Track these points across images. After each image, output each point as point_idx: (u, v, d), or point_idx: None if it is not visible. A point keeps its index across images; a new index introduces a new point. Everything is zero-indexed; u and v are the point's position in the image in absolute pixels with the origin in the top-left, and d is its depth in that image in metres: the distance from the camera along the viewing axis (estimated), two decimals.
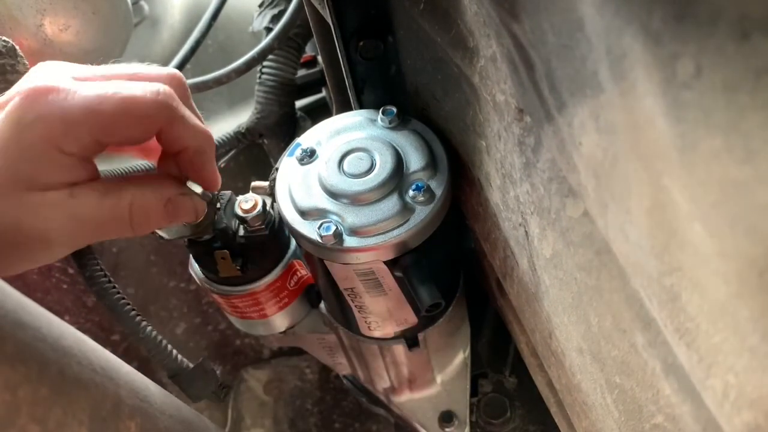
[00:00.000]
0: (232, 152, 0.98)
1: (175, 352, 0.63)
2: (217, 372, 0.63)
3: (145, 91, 0.41)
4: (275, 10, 0.90)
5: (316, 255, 0.51)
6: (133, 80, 0.43)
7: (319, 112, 1.02)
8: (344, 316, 0.61)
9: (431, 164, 0.50)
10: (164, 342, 0.63)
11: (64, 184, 0.41)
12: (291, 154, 0.54)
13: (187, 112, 0.44)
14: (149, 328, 0.62)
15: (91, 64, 0.48)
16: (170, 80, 0.45)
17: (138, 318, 0.61)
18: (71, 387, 0.27)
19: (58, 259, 0.45)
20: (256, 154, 1.03)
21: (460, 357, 0.73)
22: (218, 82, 0.82)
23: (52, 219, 0.41)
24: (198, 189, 0.48)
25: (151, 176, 0.46)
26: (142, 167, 0.66)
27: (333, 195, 0.49)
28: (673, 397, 0.30)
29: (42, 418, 0.25)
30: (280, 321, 0.64)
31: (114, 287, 0.61)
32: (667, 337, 0.27)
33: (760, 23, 0.17)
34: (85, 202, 0.42)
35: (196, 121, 0.45)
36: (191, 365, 0.62)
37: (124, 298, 0.61)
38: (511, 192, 0.42)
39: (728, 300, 0.22)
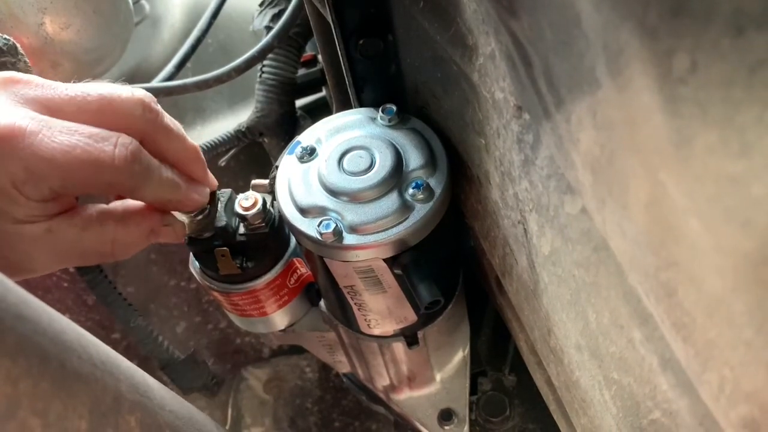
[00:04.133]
0: (233, 151, 0.99)
1: (166, 343, 0.63)
2: (210, 364, 0.64)
3: (113, 156, 0.39)
4: (275, 9, 0.90)
5: (316, 253, 0.51)
6: (104, 106, 0.42)
7: (319, 111, 1.03)
8: (344, 314, 0.61)
9: (430, 162, 0.51)
10: (155, 332, 0.63)
11: (37, 218, 0.40)
12: (291, 152, 0.54)
13: (151, 169, 0.42)
14: (140, 318, 0.62)
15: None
16: (142, 104, 0.44)
17: (130, 307, 0.61)
18: (72, 381, 0.27)
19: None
20: (256, 153, 1.04)
21: (460, 355, 0.73)
22: (218, 80, 0.83)
23: (31, 252, 0.41)
24: (182, 217, 0.49)
25: (134, 208, 0.46)
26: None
27: (333, 193, 0.50)
28: (670, 392, 0.30)
29: (42, 411, 0.25)
30: (279, 319, 0.64)
31: (105, 277, 0.61)
32: (664, 332, 0.28)
33: (754, 18, 0.17)
34: (64, 237, 0.41)
35: (164, 175, 0.44)
36: (182, 356, 0.63)
37: (115, 288, 0.61)
38: (510, 189, 0.42)
39: (724, 294, 0.22)
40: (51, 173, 0.38)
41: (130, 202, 0.46)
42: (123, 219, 0.44)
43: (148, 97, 0.44)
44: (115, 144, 0.40)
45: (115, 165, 0.40)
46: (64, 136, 0.39)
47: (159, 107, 0.45)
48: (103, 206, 0.45)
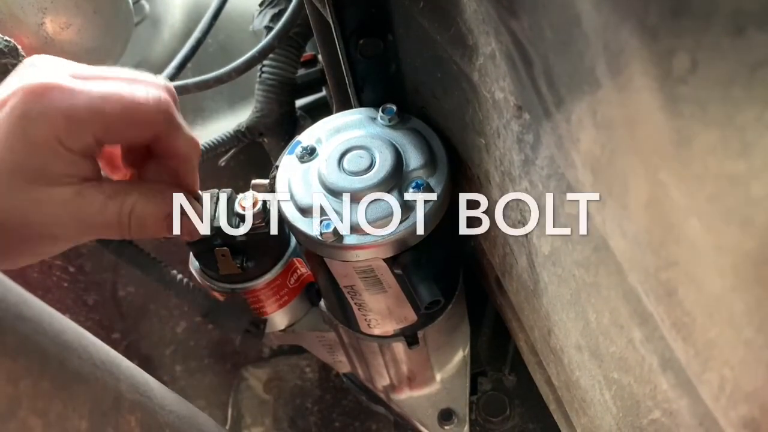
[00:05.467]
0: (233, 151, 0.99)
1: (203, 291, 0.64)
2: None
3: (147, 97, 0.42)
4: (275, 9, 0.90)
5: (316, 252, 0.51)
6: (131, 79, 0.44)
7: (319, 111, 1.02)
8: (344, 313, 0.61)
9: (431, 162, 0.51)
10: (191, 284, 0.64)
11: (70, 179, 0.42)
12: (291, 152, 0.54)
13: (182, 121, 0.46)
14: (174, 271, 0.63)
15: (92, 63, 0.48)
16: (166, 89, 0.45)
17: (161, 264, 0.62)
18: (72, 381, 0.27)
19: (59, 252, 0.47)
20: (256, 153, 1.03)
21: (460, 355, 0.73)
22: (219, 81, 0.82)
23: (58, 215, 0.42)
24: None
25: (158, 186, 0.47)
26: None
27: (333, 192, 0.50)
28: (671, 392, 0.30)
29: (43, 410, 0.25)
30: (280, 319, 0.64)
31: (130, 242, 0.62)
32: (664, 332, 0.28)
33: (754, 17, 0.17)
34: (91, 202, 0.43)
35: (189, 130, 0.47)
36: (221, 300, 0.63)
37: (143, 250, 0.62)
38: (510, 189, 0.42)
39: (724, 293, 0.22)
40: (92, 119, 0.40)
41: (155, 183, 0.48)
42: (147, 193, 0.46)
43: (171, 87, 0.46)
44: (147, 87, 0.43)
45: (150, 103, 0.42)
46: (100, 85, 0.41)
47: (173, 104, 0.46)
48: (129, 181, 0.48)
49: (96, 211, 0.43)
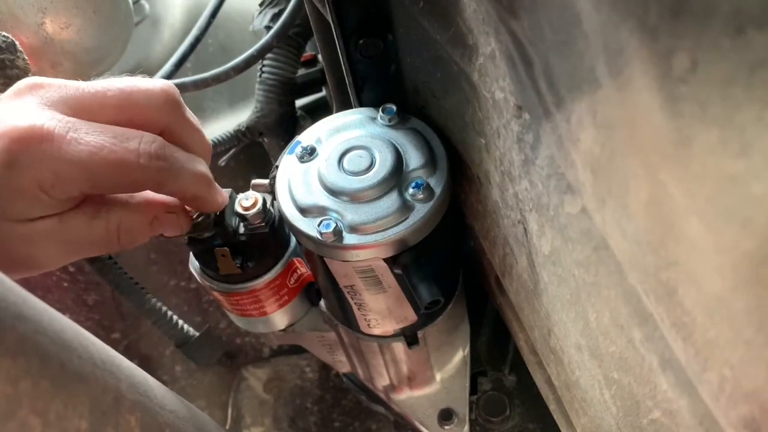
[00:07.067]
0: (233, 151, 0.99)
1: (180, 322, 0.64)
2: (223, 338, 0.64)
3: (139, 156, 0.40)
4: (276, 9, 0.90)
5: (316, 252, 0.51)
6: (123, 99, 0.43)
7: (319, 111, 1.03)
8: (344, 313, 0.61)
9: (431, 162, 0.51)
10: (169, 313, 0.63)
11: (52, 215, 0.41)
12: (291, 152, 0.54)
13: (178, 164, 0.43)
14: (154, 299, 0.62)
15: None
16: (165, 96, 0.44)
17: (143, 290, 0.62)
18: (72, 380, 0.27)
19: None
20: (256, 153, 1.04)
21: (460, 355, 0.73)
22: (217, 79, 0.83)
23: (43, 245, 0.42)
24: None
25: (138, 196, 0.46)
26: None
27: (333, 192, 0.50)
28: (670, 391, 0.30)
29: (43, 410, 0.25)
30: (280, 319, 0.64)
31: (115, 263, 0.61)
32: (664, 332, 0.28)
33: (754, 18, 0.17)
34: (75, 226, 0.42)
35: (189, 168, 0.44)
36: (197, 333, 0.63)
37: (126, 273, 0.62)
38: (510, 189, 0.42)
39: (724, 293, 0.22)
40: (79, 176, 0.39)
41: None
42: (128, 205, 0.45)
43: (171, 87, 0.45)
44: (139, 142, 0.41)
45: (141, 163, 0.40)
46: (91, 137, 0.39)
47: (181, 99, 0.46)
48: (106, 196, 0.46)
49: (81, 233, 0.42)
